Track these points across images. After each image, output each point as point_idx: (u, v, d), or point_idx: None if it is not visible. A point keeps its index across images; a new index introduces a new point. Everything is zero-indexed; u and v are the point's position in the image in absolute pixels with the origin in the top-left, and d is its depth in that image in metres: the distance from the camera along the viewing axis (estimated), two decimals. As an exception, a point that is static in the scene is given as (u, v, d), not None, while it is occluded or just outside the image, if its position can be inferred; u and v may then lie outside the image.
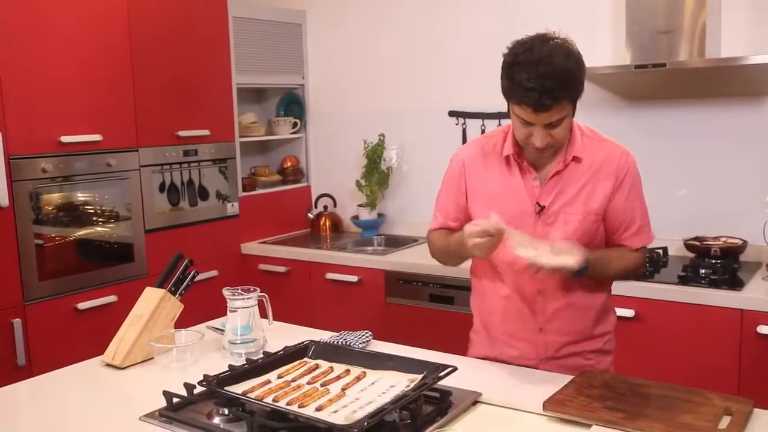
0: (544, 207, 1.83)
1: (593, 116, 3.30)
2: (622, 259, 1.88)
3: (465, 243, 1.72)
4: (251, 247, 3.84)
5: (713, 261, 2.85)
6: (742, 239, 2.96)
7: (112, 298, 3.18)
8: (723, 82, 3.01)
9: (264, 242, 3.89)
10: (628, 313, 2.69)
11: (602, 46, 3.23)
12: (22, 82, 2.89)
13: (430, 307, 3.23)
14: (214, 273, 3.66)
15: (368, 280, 3.42)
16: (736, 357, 2.53)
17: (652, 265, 2.94)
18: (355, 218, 3.99)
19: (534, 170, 1.85)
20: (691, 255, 3.00)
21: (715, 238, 3.01)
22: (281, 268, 3.71)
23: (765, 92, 2.94)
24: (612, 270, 1.87)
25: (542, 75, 1.63)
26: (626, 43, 2.95)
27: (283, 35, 4.11)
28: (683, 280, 2.73)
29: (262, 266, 3.77)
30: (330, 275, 3.54)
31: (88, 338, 2.72)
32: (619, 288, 2.72)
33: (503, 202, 1.85)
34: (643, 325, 2.69)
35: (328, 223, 4.12)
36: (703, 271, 2.78)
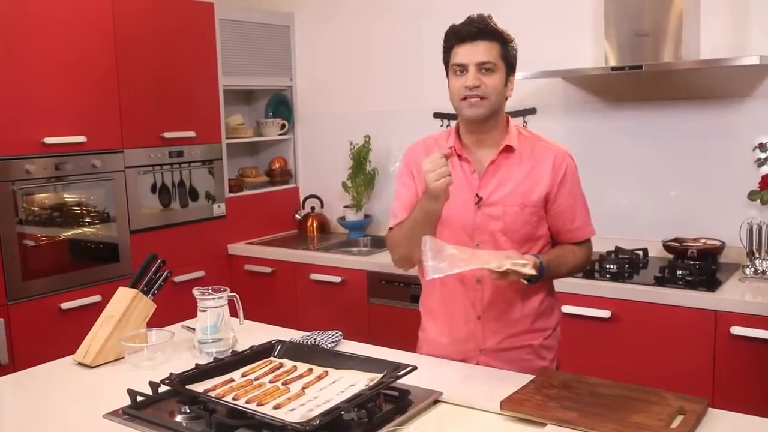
0: (482, 198, 1.90)
1: (575, 118, 3.35)
2: (571, 255, 1.95)
3: (426, 183, 1.76)
4: (237, 248, 3.87)
5: (690, 262, 2.86)
6: (721, 240, 2.97)
7: (97, 298, 3.19)
8: (702, 84, 3.03)
9: (250, 243, 3.91)
10: (605, 314, 2.71)
11: (583, 49, 3.25)
12: (6, 83, 2.92)
13: (412, 308, 3.21)
14: (200, 273, 3.69)
15: (351, 280, 3.44)
16: (710, 358, 2.54)
17: (631, 266, 2.96)
18: (342, 219, 4.02)
19: (473, 163, 1.93)
20: (671, 256, 3.01)
21: (695, 240, 3.02)
22: (266, 269, 3.73)
23: (743, 94, 2.95)
24: (564, 268, 1.94)
25: (473, 19, 1.89)
26: (606, 45, 2.97)
27: (271, 37, 4.14)
28: (659, 282, 2.74)
29: (248, 267, 3.80)
30: (314, 276, 3.56)
31: (72, 338, 2.74)
32: (595, 289, 2.76)
33: None
34: (620, 326, 2.70)
35: (315, 224, 4.14)
36: (680, 272, 2.79)
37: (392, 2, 3.87)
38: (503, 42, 1.88)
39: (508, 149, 1.92)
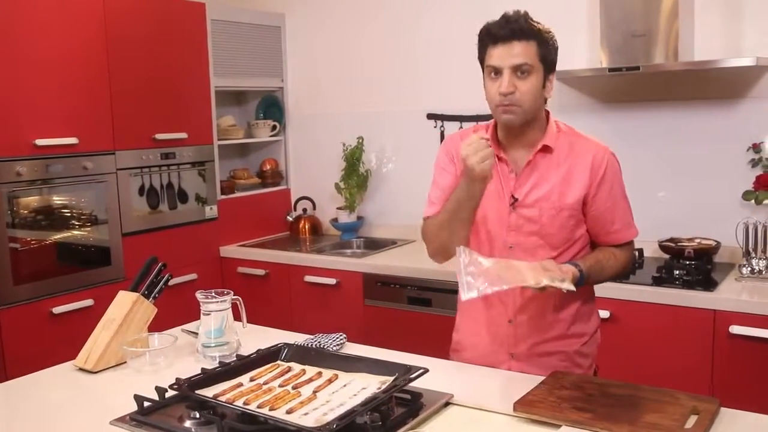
0: (517, 199, 1.85)
1: (570, 119, 3.31)
2: (612, 259, 1.87)
3: (467, 166, 1.69)
4: (230, 250, 3.84)
5: (687, 262, 2.88)
6: (715, 240, 2.99)
7: (89, 302, 3.15)
8: (697, 85, 3.05)
9: (243, 245, 3.88)
10: (604, 314, 2.71)
11: (579, 50, 3.25)
12: (-4, 85, 2.87)
13: (408, 310, 3.23)
14: (192, 276, 3.65)
15: (346, 282, 3.42)
16: (708, 357, 2.55)
17: (627, 266, 2.97)
18: (335, 221, 4.00)
19: (510, 164, 1.87)
20: (666, 256, 3.03)
21: (690, 240, 3.04)
22: (260, 271, 3.70)
23: (737, 95, 2.98)
24: (606, 274, 1.87)
25: (509, 17, 1.79)
26: (601, 46, 2.98)
27: (262, 38, 4.11)
28: (657, 282, 2.76)
29: (241, 269, 3.77)
30: (308, 278, 3.53)
31: (64, 342, 2.70)
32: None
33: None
34: (618, 326, 2.71)
35: (307, 226, 4.12)
36: (677, 272, 2.81)
37: (384, 3, 3.86)
38: (541, 41, 1.77)
39: (546, 149, 1.84)
